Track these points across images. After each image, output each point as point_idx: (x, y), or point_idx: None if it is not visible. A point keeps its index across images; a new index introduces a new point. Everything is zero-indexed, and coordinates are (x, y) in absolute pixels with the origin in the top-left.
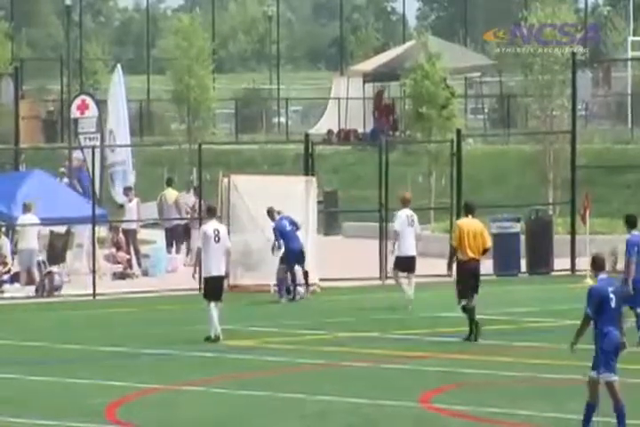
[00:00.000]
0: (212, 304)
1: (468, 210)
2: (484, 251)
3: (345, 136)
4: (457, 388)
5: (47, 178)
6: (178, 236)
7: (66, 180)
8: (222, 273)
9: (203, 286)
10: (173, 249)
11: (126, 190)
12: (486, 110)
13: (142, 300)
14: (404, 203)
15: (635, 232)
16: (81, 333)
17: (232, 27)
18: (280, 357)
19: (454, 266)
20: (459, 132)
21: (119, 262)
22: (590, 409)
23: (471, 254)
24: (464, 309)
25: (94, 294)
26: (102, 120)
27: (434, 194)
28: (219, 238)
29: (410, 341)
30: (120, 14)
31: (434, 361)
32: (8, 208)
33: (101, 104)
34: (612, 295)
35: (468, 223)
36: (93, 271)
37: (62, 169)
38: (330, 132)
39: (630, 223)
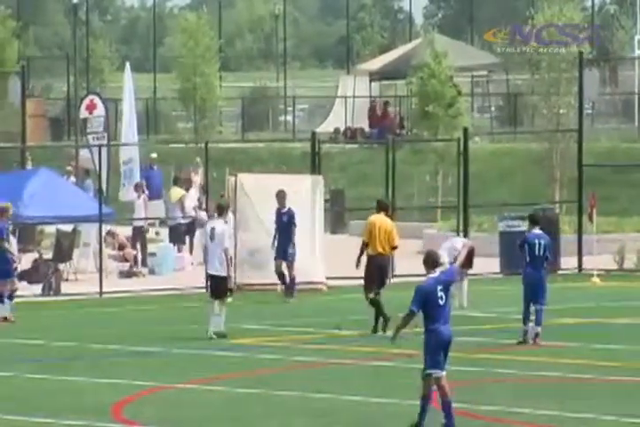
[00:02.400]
0: (216, 302)
1: (381, 207)
2: (393, 248)
3: (351, 135)
4: (461, 386)
5: (54, 176)
6: (180, 235)
7: (72, 178)
8: (219, 272)
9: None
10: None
11: (136, 187)
12: (493, 109)
13: (149, 298)
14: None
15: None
16: (87, 331)
17: (239, 25)
18: (284, 355)
19: (363, 260)
20: (465, 130)
21: (127, 260)
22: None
23: (380, 249)
24: (371, 301)
25: (101, 293)
26: (115, 119)
27: (440, 192)
28: (213, 237)
29: (415, 339)
30: (127, 13)
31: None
32: (15, 207)
33: (108, 103)
34: (440, 293)
35: (380, 220)
36: (100, 270)
37: (69, 167)
38: (336, 130)
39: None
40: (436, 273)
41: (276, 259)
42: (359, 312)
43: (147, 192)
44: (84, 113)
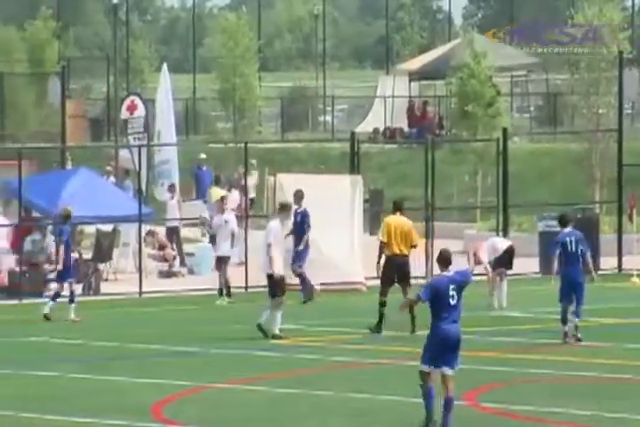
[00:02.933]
0: (271, 301)
1: (397, 207)
2: (412, 247)
3: (391, 134)
4: (497, 386)
5: (93, 176)
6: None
7: (112, 178)
8: (270, 271)
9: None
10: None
11: (170, 188)
12: (532, 109)
13: (188, 298)
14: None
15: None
16: (127, 331)
17: (278, 25)
18: (318, 355)
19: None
20: (505, 130)
21: (166, 260)
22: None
23: (397, 250)
24: (381, 303)
25: (140, 293)
26: (151, 119)
27: (480, 192)
28: (271, 237)
29: None
30: (166, 13)
31: (478, 360)
32: (55, 206)
33: (148, 103)
34: (452, 293)
35: (396, 220)
36: (140, 270)
37: (109, 168)
38: (375, 130)
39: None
40: (450, 272)
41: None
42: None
43: (177, 192)
44: (124, 114)
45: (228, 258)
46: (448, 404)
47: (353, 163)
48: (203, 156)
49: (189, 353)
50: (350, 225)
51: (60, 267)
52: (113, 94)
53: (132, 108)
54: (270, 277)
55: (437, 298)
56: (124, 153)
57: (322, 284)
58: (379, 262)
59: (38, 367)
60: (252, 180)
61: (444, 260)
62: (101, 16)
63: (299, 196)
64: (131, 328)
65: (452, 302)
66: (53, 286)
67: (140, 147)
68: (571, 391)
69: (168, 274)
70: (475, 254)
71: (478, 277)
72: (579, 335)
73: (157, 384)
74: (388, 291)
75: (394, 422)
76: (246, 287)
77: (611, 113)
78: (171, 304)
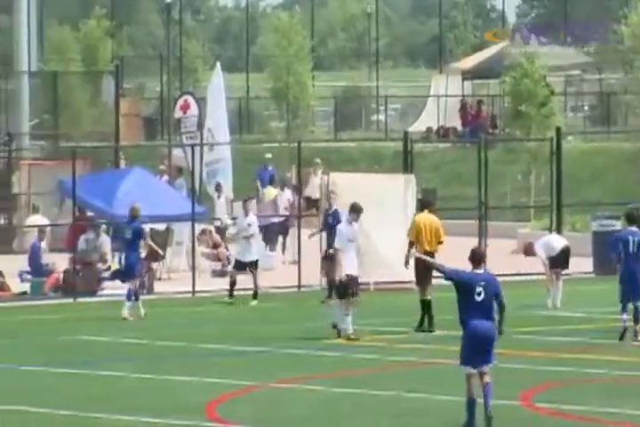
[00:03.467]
0: (343, 302)
1: (424, 205)
2: (439, 243)
3: (444, 134)
4: (556, 386)
5: (147, 175)
6: (273, 234)
7: (165, 177)
8: (353, 272)
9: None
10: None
11: (217, 187)
12: (586, 108)
13: (240, 297)
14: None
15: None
16: (180, 330)
17: (331, 24)
18: (373, 354)
19: (412, 260)
20: (558, 130)
21: (219, 259)
22: (471, 404)
23: (427, 248)
24: (422, 302)
25: (193, 292)
26: (203, 118)
27: (533, 192)
28: (352, 239)
29: (511, 339)
30: (220, 12)
31: (532, 359)
32: (109, 205)
33: (201, 102)
34: (479, 289)
35: (424, 218)
36: (193, 269)
37: (162, 167)
38: (429, 129)
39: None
40: (481, 271)
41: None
42: (448, 312)
43: (223, 191)
44: (178, 113)
45: (257, 261)
46: (486, 388)
47: (406, 162)
48: (268, 155)
49: (243, 353)
50: (403, 224)
51: (126, 266)
52: (166, 93)
53: (185, 108)
54: (356, 279)
55: (462, 290)
56: (177, 152)
57: (375, 283)
58: (407, 263)
59: (96, 367)
60: (317, 179)
61: (477, 259)
62: (155, 15)
63: (329, 197)
64: (184, 327)
65: (479, 298)
66: (108, 284)
67: (193, 146)
68: (626, 391)
69: (221, 273)
70: (528, 248)
71: (535, 277)
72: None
73: (212, 383)
74: (427, 289)
75: (446, 422)
76: (299, 287)
77: None
78: (224, 303)
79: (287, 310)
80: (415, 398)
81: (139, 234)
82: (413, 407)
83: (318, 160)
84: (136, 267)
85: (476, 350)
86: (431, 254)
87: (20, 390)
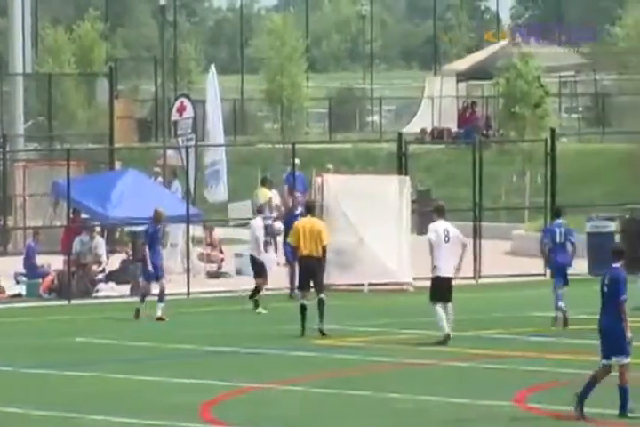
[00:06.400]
0: (438, 305)
1: (307, 210)
2: (322, 248)
3: (438, 135)
4: (551, 387)
5: (141, 177)
6: (267, 235)
7: (160, 179)
8: (450, 274)
9: (430, 285)
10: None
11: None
12: (580, 109)
13: (235, 299)
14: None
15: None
16: (175, 332)
17: (325, 26)
18: (372, 356)
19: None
20: (553, 131)
21: (213, 262)
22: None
23: (306, 252)
24: (302, 307)
25: (188, 293)
26: (202, 120)
27: (528, 193)
28: (448, 239)
29: (504, 340)
30: (214, 14)
31: (528, 360)
32: (103, 208)
33: (196, 104)
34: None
35: (305, 222)
36: (187, 270)
37: (156, 168)
38: (423, 131)
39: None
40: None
41: None
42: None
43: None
44: (175, 115)
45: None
46: (624, 393)
47: (400, 163)
48: (297, 161)
49: (236, 354)
50: (398, 226)
51: (150, 267)
52: (160, 95)
53: (181, 110)
54: (448, 280)
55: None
56: (170, 152)
57: (369, 284)
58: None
59: (91, 368)
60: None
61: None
62: (149, 17)
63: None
64: (178, 329)
65: (605, 290)
66: (103, 286)
67: (187, 148)
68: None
69: (216, 275)
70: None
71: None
72: None
73: (205, 385)
74: (305, 289)
75: (437, 422)
76: (292, 289)
77: None
78: (218, 305)
79: (281, 311)
80: (407, 398)
81: (158, 236)
82: (406, 408)
83: (330, 166)
84: (158, 268)
85: (602, 344)
86: (315, 259)
87: (14, 392)
